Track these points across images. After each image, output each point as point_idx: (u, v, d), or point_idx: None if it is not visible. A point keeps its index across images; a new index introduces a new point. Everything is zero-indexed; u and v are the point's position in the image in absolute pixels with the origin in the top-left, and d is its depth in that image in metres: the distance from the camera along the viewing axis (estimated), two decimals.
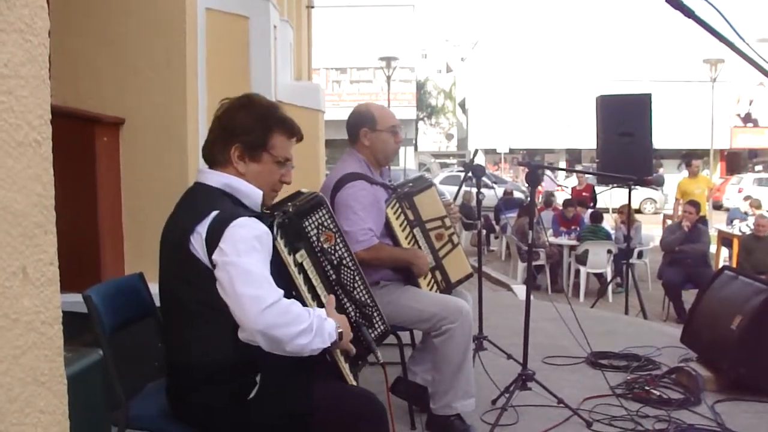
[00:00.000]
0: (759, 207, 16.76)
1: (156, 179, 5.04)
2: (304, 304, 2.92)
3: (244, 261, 2.63)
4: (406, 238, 4.47)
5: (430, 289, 4.52)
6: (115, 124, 5.09)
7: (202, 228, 2.71)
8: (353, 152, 4.53)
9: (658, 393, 5.32)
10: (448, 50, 67.83)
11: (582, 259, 13.03)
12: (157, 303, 3.19)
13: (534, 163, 5.00)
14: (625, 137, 9.34)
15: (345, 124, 4.56)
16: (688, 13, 2.37)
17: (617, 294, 12.39)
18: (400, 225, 4.45)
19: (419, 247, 4.54)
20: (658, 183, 8.92)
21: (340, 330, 2.84)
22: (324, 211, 3.23)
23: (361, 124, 4.49)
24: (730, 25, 2.51)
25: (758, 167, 46.82)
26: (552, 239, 14.16)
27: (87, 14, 5.08)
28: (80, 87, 5.06)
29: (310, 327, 2.69)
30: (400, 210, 4.46)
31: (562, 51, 46.09)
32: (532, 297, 5.19)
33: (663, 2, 2.39)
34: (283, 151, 2.99)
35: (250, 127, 2.91)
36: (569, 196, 17.27)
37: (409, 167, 36.74)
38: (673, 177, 29.28)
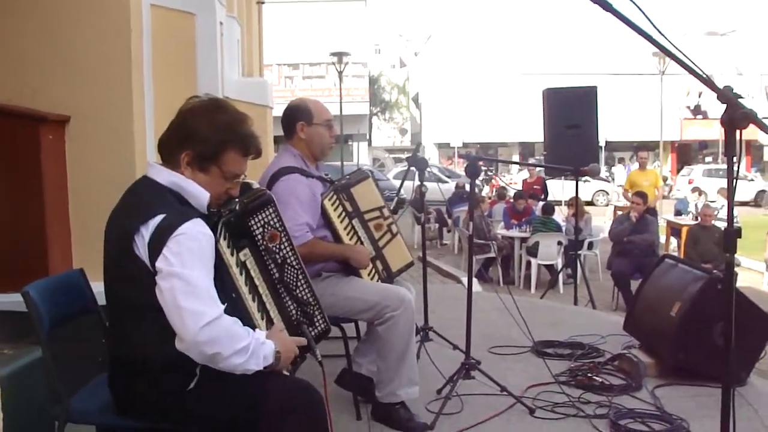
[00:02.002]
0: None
1: (103, 177, 5.02)
2: (244, 306, 2.97)
3: (188, 273, 2.66)
4: (345, 229, 4.51)
5: (372, 279, 4.57)
6: (60, 122, 5.07)
7: (146, 231, 2.72)
8: (288, 147, 4.56)
9: (600, 380, 5.41)
10: (401, 45, 67.82)
11: (533, 251, 13.14)
12: (100, 299, 3.21)
13: (473, 156, 5.06)
14: (572, 130, 9.43)
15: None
16: (607, 6, 2.45)
17: (568, 285, 12.52)
18: (338, 216, 4.49)
19: (358, 238, 4.58)
20: (594, 172, 9.00)
21: (278, 353, 2.88)
22: (271, 210, 3.23)
23: (298, 118, 4.52)
24: (650, 21, 2.59)
25: (708, 159, 47.40)
26: (503, 232, 14.27)
27: (31, 12, 5.06)
28: (25, 85, 5.03)
29: (247, 348, 2.73)
30: (338, 202, 4.50)
31: (515, 45, 46.29)
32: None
33: None
34: (234, 168, 2.97)
35: (206, 137, 2.88)
36: (520, 189, 17.41)
37: (362, 162, 36.77)
38: (619, 169, 29.57)
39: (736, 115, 2.66)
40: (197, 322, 2.61)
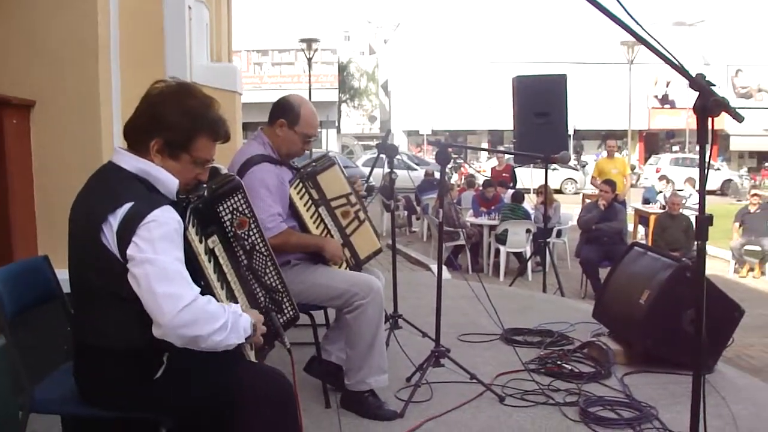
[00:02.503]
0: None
1: (69, 162, 4.96)
2: (213, 294, 2.93)
3: (161, 258, 2.61)
4: (311, 217, 4.49)
5: (340, 267, 4.54)
6: (25, 106, 5.00)
7: (114, 219, 2.67)
8: (260, 135, 4.51)
9: (569, 367, 5.42)
10: (370, 32, 67.70)
11: (502, 239, 13.15)
12: (65, 286, 3.16)
13: (443, 142, 5.03)
14: (541, 117, 9.45)
15: (270, 105, 4.54)
16: None
17: (537, 272, 12.56)
18: (305, 205, 4.46)
19: (325, 226, 4.56)
20: (564, 160, 9.02)
21: (254, 323, 2.86)
22: (240, 196, 3.19)
23: (283, 115, 4.46)
24: (624, 9, 2.57)
25: (675, 147, 47.74)
26: (472, 219, 14.28)
27: None
28: None
29: (225, 324, 2.69)
30: (303, 190, 4.47)
31: (484, 33, 46.35)
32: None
33: None
34: (204, 153, 2.92)
35: (175, 124, 2.82)
36: (489, 177, 17.43)
37: (331, 149, 36.71)
38: (590, 157, 29.78)
39: (708, 103, 2.66)
40: (174, 306, 2.58)
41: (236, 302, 3.08)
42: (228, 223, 3.12)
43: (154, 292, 2.59)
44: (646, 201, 17.42)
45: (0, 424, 3.53)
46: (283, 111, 4.48)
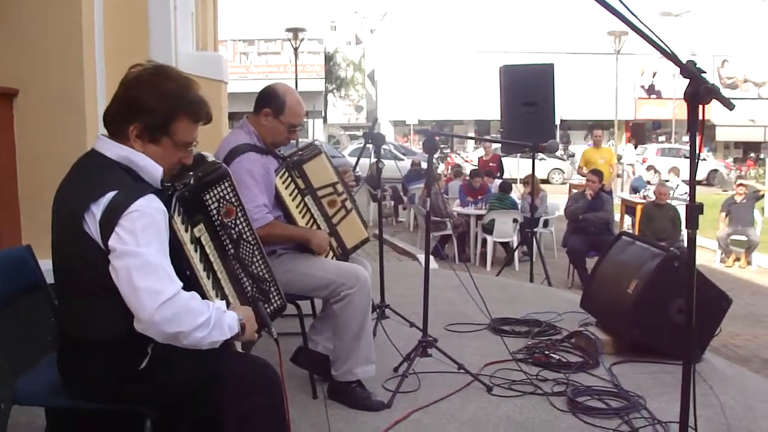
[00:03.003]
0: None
1: (53, 151, 4.92)
2: (199, 283, 2.89)
3: (143, 251, 2.57)
4: (297, 207, 4.46)
5: (327, 257, 4.51)
6: (7, 95, 4.96)
7: (97, 208, 2.62)
8: (246, 123, 4.48)
9: (557, 357, 5.42)
10: (357, 22, 67.56)
11: (489, 229, 13.15)
12: (48, 276, 3.12)
13: (431, 131, 5.00)
14: (529, 107, 9.42)
15: (256, 95, 4.51)
16: None
17: (523, 262, 12.55)
18: (290, 194, 4.43)
19: (311, 216, 4.52)
20: (552, 149, 9.04)
21: (242, 322, 2.81)
22: (227, 184, 3.14)
23: (268, 104, 4.43)
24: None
25: (661, 138, 47.84)
26: (459, 209, 14.26)
27: None
28: None
29: (208, 321, 2.65)
30: (289, 179, 4.43)
31: (470, 22, 46.31)
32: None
33: None
34: (186, 136, 2.86)
35: (153, 108, 2.76)
36: (476, 167, 17.41)
37: (318, 139, 36.66)
38: (580, 148, 29.80)
39: (699, 90, 2.64)
40: (154, 301, 2.53)
41: (223, 292, 3.05)
42: (215, 211, 3.07)
43: (135, 286, 2.54)
44: (634, 190, 17.42)
45: None
46: (268, 100, 4.44)
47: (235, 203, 3.18)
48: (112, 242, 2.58)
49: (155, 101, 2.77)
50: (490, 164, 18.23)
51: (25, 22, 4.95)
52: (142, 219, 2.60)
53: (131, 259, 2.56)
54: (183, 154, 2.91)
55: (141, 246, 2.57)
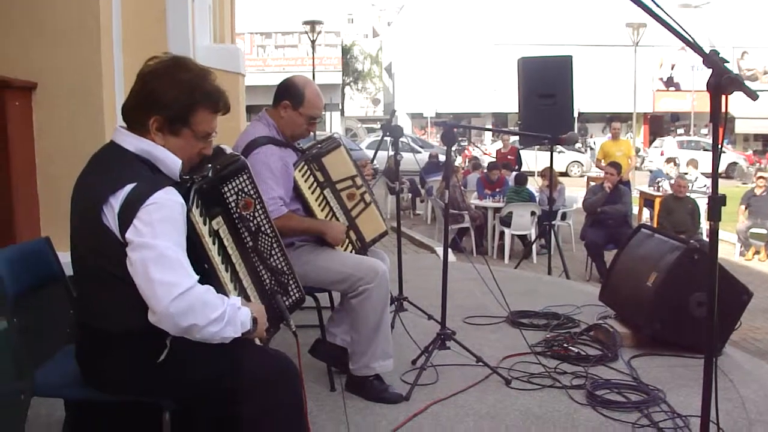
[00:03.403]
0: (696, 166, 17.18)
1: (72, 144, 4.91)
2: (217, 276, 2.88)
3: (159, 244, 2.57)
4: (316, 200, 4.45)
5: (345, 250, 4.51)
6: (27, 89, 4.96)
7: (116, 201, 2.62)
8: (265, 115, 4.48)
9: (576, 350, 5.39)
10: (374, 15, 67.55)
11: (506, 221, 13.12)
12: (67, 268, 3.12)
13: (449, 123, 4.98)
14: (547, 99, 9.38)
15: (274, 88, 4.50)
16: None
17: (541, 255, 12.52)
18: (309, 187, 4.42)
19: (330, 209, 4.52)
20: (572, 141, 9.01)
21: (254, 317, 2.82)
22: (245, 176, 3.12)
23: (287, 96, 4.42)
24: None
25: (680, 130, 47.62)
26: (477, 202, 14.23)
27: None
28: None
29: (222, 316, 2.65)
30: (308, 172, 4.42)
31: (488, 15, 46.20)
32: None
33: None
34: (206, 126, 2.87)
35: (172, 100, 2.77)
36: (494, 159, 17.37)
37: (336, 132, 36.64)
38: (598, 140, 29.73)
39: (722, 80, 2.61)
40: (169, 293, 2.53)
41: (241, 284, 3.04)
42: (233, 204, 3.06)
43: (150, 278, 2.55)
44: (653, 183, 17.32)
45: (2, 408, 3.50)
46: (288, 92, 4.43)
47: (254, 196, 3.16)
48: (129, 234, 2.59)
49: (174, 93, 2.77)
50: (509, 157, 18.18)
51: (43, 15, 4.95)
52: (159, 211, 2.60)
53: (147, 252, 2.56)
54: (203, 145, 2.92)
55: (157, 238, 2.57)
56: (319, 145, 4.62)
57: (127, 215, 2.59)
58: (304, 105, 4.42)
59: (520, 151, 18.89)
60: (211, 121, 2.89)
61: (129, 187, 2.63)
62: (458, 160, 28.45)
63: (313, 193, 4.44)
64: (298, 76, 4.63)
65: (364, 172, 4.80)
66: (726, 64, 2.64)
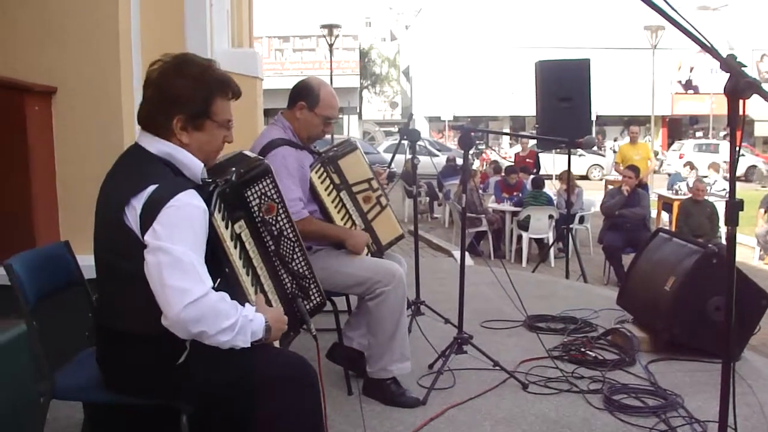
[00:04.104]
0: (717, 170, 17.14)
1: (91, 148, 4.94)
2: (238, 280, 2.90)
3: (176, 248, 2.58)
4: (332, 202, 4.46)
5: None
6: (46, 93, 4.99)
7: (138, 202, 2.65)
8: (281, 118, 4.50)
9: (593, 354, 5.38)
10: (391, 18, 67.57)
11: (524, 225, 13.09)
12: (86, 272, 3.14)
13: (467, 127, 4.98)
14: (565, 102, 9.37)
15: (290, 90, 4.52)
16: None
17: (559, 259, 12.50)
18: (326, 189, 4.43)
19: (347, 211, 4.52)
20: (590, 144, 8.97)
21: (268, 324, 2.81)
22: (268, 181, 3.13)
23: (302, 97, 4.44)
24: None
25: (699, 133, 47.42)
26: (494, 205, 14.22)
27: None
28: (10, 55, 4.95)
29: (233, 326, 2.66)
30: (325, 174, 4.44)
31: (505, 18, 46.18)
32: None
33: None
34: (225, 114, 2.92)
35: (190, 96, 2.80)
36: (512, 163, 17.35)
37: (353, 136, 36.60)
38: (616, 143, 29.65)
39: (739, 85, 2.60)
40: (182, 300, 2.55)
41: (262, 288, 3.05)
42: (256, 208, 3.07)
43: (164, 283, 2.56)
44: (671, 187, 17.26)
45: (22, 411, 3.53)
46: (303, 93, 4.45)
47: (277, 200, 3.17)
48: (147, 236, 2.61)
49: (189, 89, 2.81)
50: (527, 160, 18.14)
51: (62, 21, 4.99)
52: (178, 214, 2.62)
53: (163, 256, 2.57)
54: (226, 134, 2.97)
55: (175, 242, 2.59)
56: (336, 148, 4.64)
57: (148, 216, 2.62)
58: (320, 105, 4.44)
59: (539, 155, 18.84)
60: (227, 108, 2.94)
61: (151, 188, 2.65)
62: (476, 164, 28.44)
63: (329, 194, 4.45)
64: (313, 77, 4.66)
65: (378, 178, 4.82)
66: (743, 68, 2.63)
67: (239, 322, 2.68)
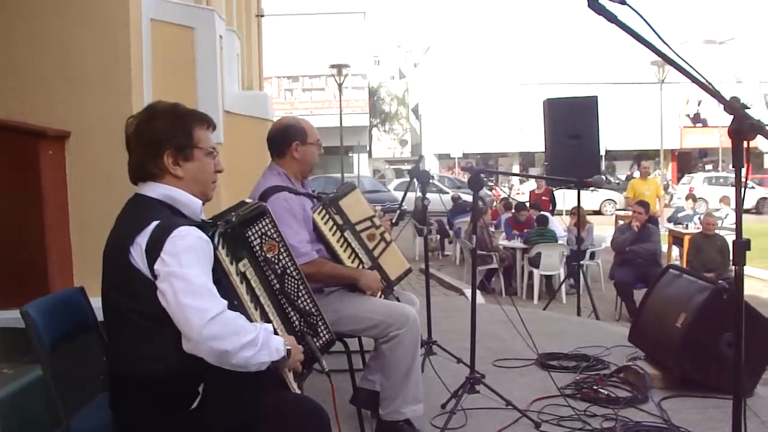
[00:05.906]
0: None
1: (104, 192, 4.99)
2: (247, 315, 2.92)
3: (186, 272, 2.62)
4: (338, 241, 4.49)
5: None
6: (60, 137, 5.06)
7: (142, 239, 2.69)
8: (273, 166, 4.56)
9: (606, 392, 5.37)
10: (400, 56, 67.99)
11: (535, 262, 13.09)
12: (101, 316, 3.17)
13: (476, 168, 5.03)
14: (574, 139, 9.42)
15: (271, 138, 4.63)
16: (611, 18, 2.42)
17: (570, 295, 12.47)
18: (330, 229, 4.46)
19: (353, 250, 4.56)
20: (598, 184, 9.01)
21: (288, 348, 2.84)
22: (267, 221, 3.19)
23: (294, 138, 4.52)
24: (655, 32, 2.56)
25: (708, 166, 47.42)
26: (505, 242, 14.21)
27: (30, 27, 5.06)
28: (25, 100, 5.03)
29: (256, 339, 2.68)
30: (327, 216, 4.48)
31: (513, 55, 46.42)
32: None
33: (587, 7, 2.43)
34: (208, 142, 3.01)
35: (171, 132, 2.90)
36: (527, 200, 17.33)
37: (363, 174, 36.65)
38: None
39: (743, 127, 2.64)
40: (202, 317, 2.58)
41: (271, 324, 3.08)
42: (258, 247, 3.13)
43: (182, 303, 2.59)
44: (677, 221, 17.26)
45: None
46: (291, 135, 4.55)
47: (277, 239, 3.22)
48: (157, 266, 2.66)
49: (169, 126, 2.92)
50: (543, 198, 18.06)
51: (76, 65, 5.07)
52: (183, 242, 2.67)
53: (175, 281, 2.61)
54: (214, 161, 3.05)
55: (184, 267, 2.63)
56: (335, 191, 4.72)
57: (154, 249, 2.67)
58: (309, 135, 4.57)
59: (554, 192, 18.77)
60: (209, 136, 3.04)
61: (153, 224, 2.72)
62: (488, 197, 28.44)
63: (333, 234, 4.49)
64: (285, 117, 4.85)
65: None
66: (747, 110, 2.67)
67: (260, 336, 2.70)
